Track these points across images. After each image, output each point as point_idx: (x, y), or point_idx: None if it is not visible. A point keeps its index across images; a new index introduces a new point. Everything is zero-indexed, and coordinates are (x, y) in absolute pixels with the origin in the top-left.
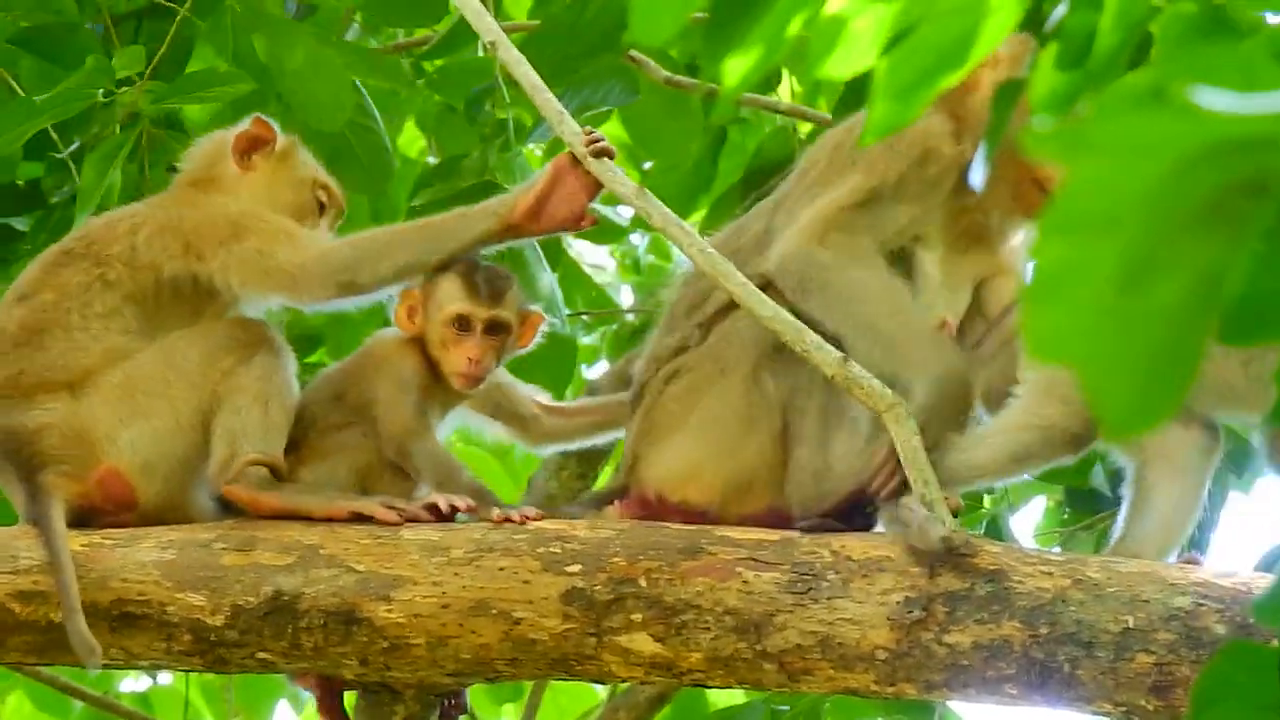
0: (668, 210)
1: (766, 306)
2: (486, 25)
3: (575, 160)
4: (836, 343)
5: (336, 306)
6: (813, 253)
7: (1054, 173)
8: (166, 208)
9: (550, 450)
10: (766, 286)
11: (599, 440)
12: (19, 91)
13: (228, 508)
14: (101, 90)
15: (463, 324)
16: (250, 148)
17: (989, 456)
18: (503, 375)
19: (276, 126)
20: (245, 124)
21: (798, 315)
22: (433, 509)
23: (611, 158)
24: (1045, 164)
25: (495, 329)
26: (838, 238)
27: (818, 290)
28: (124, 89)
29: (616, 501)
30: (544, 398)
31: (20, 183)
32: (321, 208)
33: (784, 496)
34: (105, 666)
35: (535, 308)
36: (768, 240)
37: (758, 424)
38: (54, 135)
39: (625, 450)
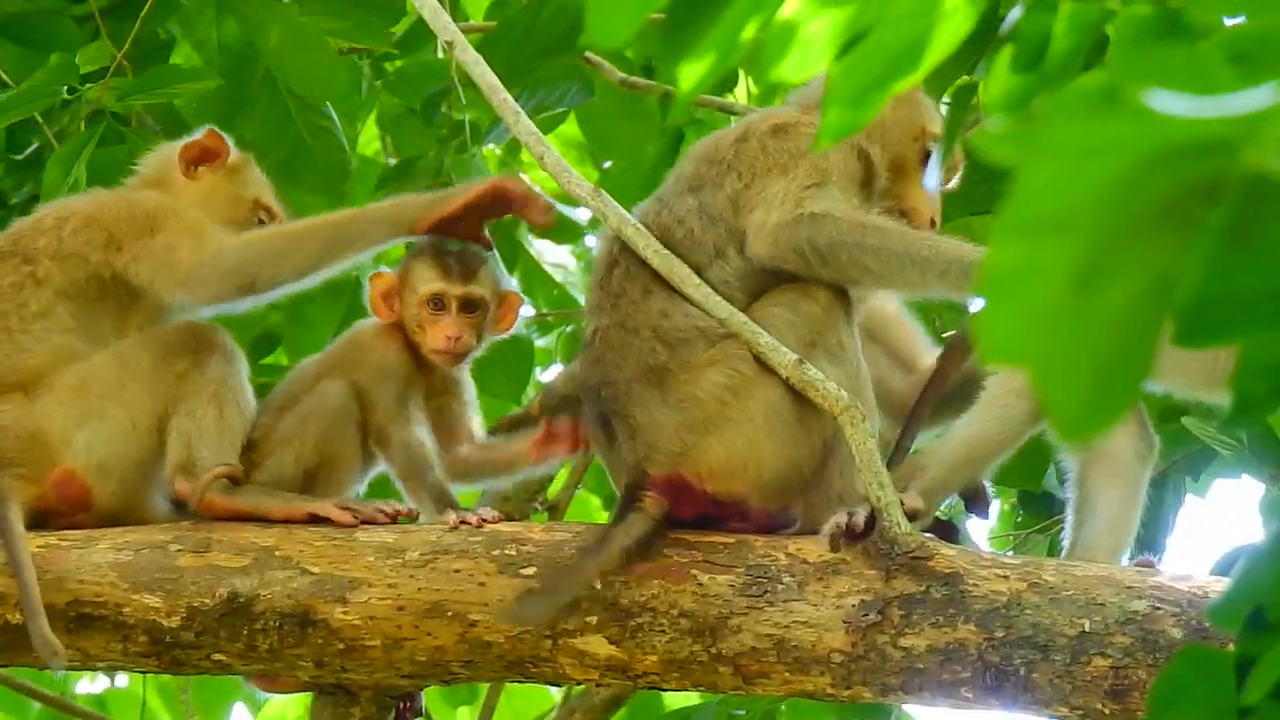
0: (624, 211)
1: (722, 308)
2: (443, 25)
3: (508, 190)
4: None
5: (233, 308)
6: (804, 215)
7: (918, 206)
8: (95, 199)
9: (457, 484)
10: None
11: (495, 482)
12: (4, 80)
13: (183, 509)
14: (66, 87)
15: (437, 303)
16: (200, 158)
17: (953, 448)
18: (469, 393)
19: (230, 142)
20: (198, 134)
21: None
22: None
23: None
24: (911, 196)
25: (470, 307)
26: (818, 195)
27: (827, 246)
28: (89, 85)
29: (649, 492)
30: (481, 434)
31: None
32: (260, 225)
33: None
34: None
35: (512, 287)
36: (734, 235)
37: (808, 425)
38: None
39: (647, 439)
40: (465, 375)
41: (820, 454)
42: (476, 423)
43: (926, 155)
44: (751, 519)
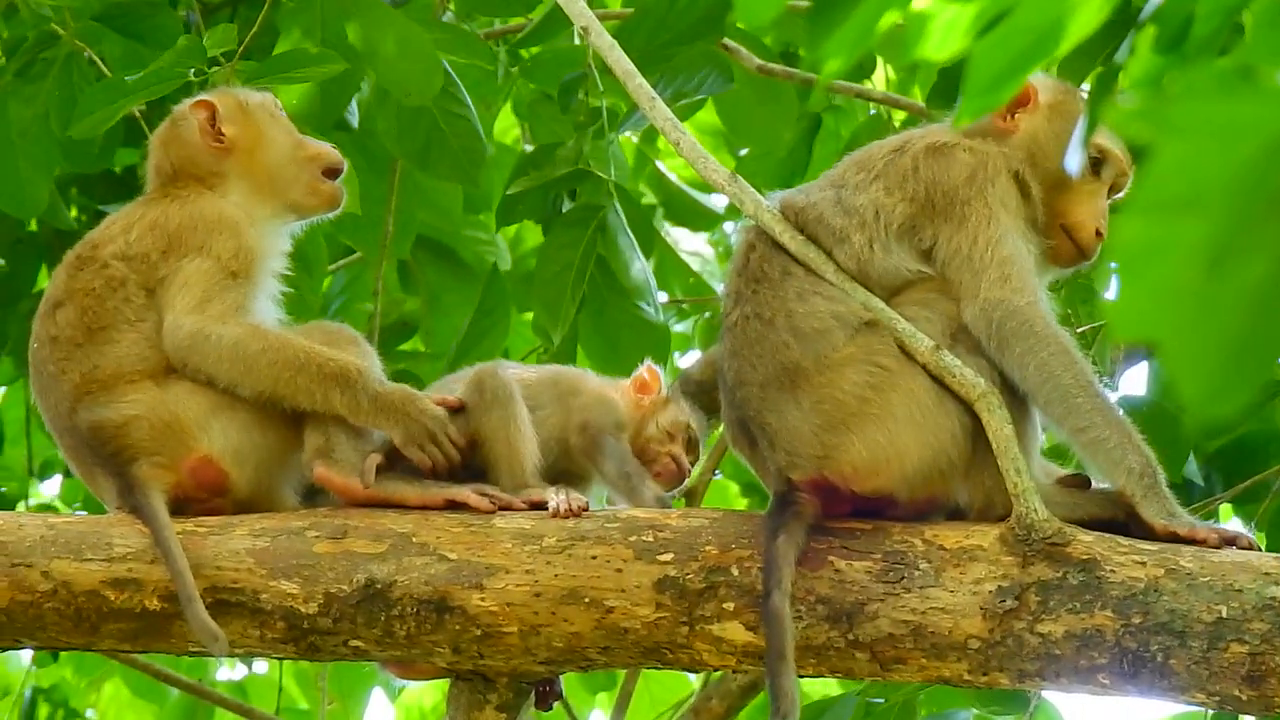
0: (760, 197)
1: (859, 292)
2: (579, 11)
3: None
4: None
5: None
6: (1012, 306)
7: (1083, 219)
8: (160, 207)
9: None
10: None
11: None
12: (104, 70)
13: (313, 497)
14: (193, 70)
15: (669, 435)
16: (215, 126)
17: None
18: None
19: (230, 90)
20: (189, 112)
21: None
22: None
23: None
24: (1073, 211)
25: (693, 443)
26: (1013, 263)
27: (1020, 356)
28: (215, 69)
29: (801, 494)
30: None
31: (116, 169)
32: (333, 174)
33: (953, 487)
34: (197, 654)
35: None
36: (864, 228)
37: (948, 410)
38: (143, 124)
39: (786, 445)
40: None
41: (966, 440)
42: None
43: (1091, 164)
44: (902, 510)
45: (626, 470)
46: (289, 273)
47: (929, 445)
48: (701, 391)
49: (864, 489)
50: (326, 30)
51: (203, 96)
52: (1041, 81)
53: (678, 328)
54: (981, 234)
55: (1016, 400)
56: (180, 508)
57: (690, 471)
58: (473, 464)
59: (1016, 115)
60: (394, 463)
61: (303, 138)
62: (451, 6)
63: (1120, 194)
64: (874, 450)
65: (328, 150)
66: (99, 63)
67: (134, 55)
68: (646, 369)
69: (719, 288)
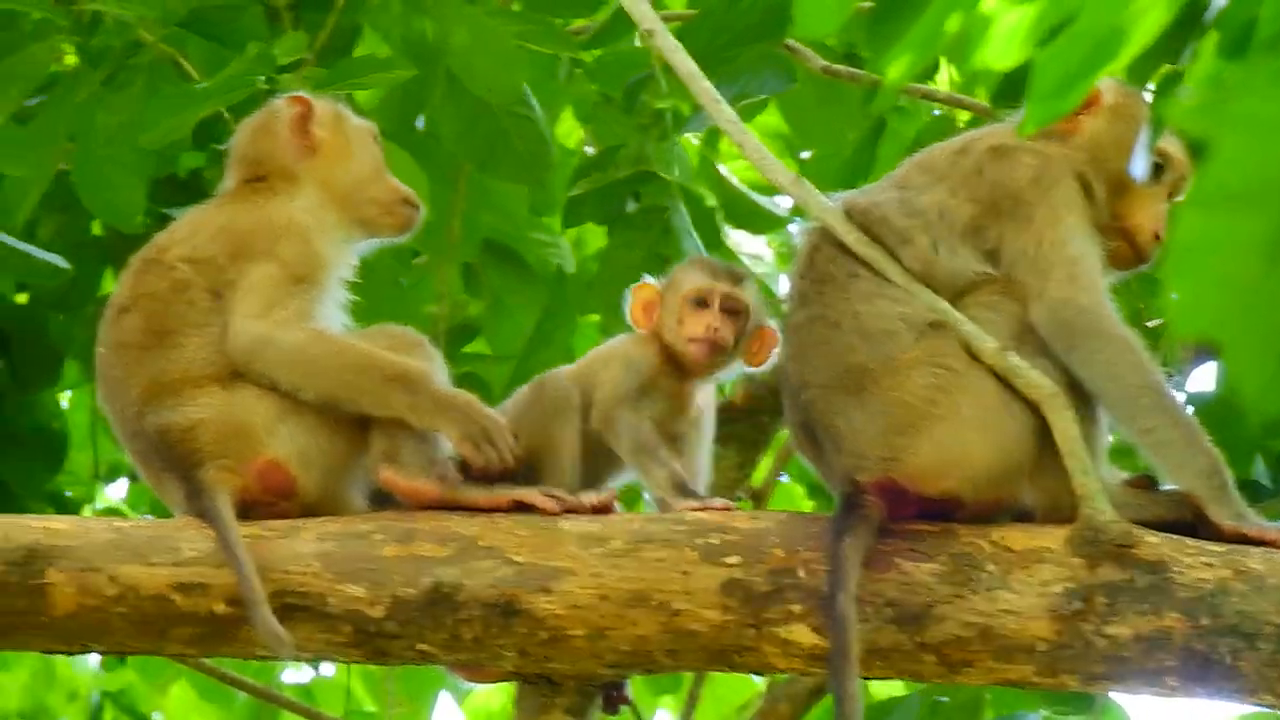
0: (824, 199)
1: (924, 293)
2: (643, 13)
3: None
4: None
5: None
6: (1080, 306)
7: (1142, 222)
8: (227, 210)
9: None
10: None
11: None
12: (189, 72)
13: (380, 501)
14: (264, 77)
15: (700, 301)
16: (304, 124)
17: None
18: (707, 438)
19: (307, 93)
20: (285, 107)
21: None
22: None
23: None
24: (1133, 214)
25: (732, 309)
26: (1084, 264)
27: (1086, 356)
28: (286, 75)
29: (868, 497)
30: (701, 490)
31: (181, 173)
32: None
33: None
34: (264, 658)
35: (771, 325)
36: (928, 229)
37: (1014, 412)
38: (229, 120)
39: (852, 447)
40: (709, 418)
41: (1032, 441)
42: (703, 476)
43: (1153, 169)
44: (968, 512)
45: (640, 448)
46: (357, 280)
47: (996, 447)
48: (769, 394)
49: (931, 491)
50: (404, 29)
51: (301, 94)
52: (1106, 83)
53: None
54: (1047, 234)
55: (1083, 401)
56: (247, 511)
57: (727, 337)
58: (526, 473)
59: (1080, 116)
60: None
61: (388, 172)
62: (516, 8)
63: (1178, 197)
64: (941, 452)
65: (408, 189)
66: (186, 67)
67: (217, 59)
68: (634, 289)
69: (779, 290)
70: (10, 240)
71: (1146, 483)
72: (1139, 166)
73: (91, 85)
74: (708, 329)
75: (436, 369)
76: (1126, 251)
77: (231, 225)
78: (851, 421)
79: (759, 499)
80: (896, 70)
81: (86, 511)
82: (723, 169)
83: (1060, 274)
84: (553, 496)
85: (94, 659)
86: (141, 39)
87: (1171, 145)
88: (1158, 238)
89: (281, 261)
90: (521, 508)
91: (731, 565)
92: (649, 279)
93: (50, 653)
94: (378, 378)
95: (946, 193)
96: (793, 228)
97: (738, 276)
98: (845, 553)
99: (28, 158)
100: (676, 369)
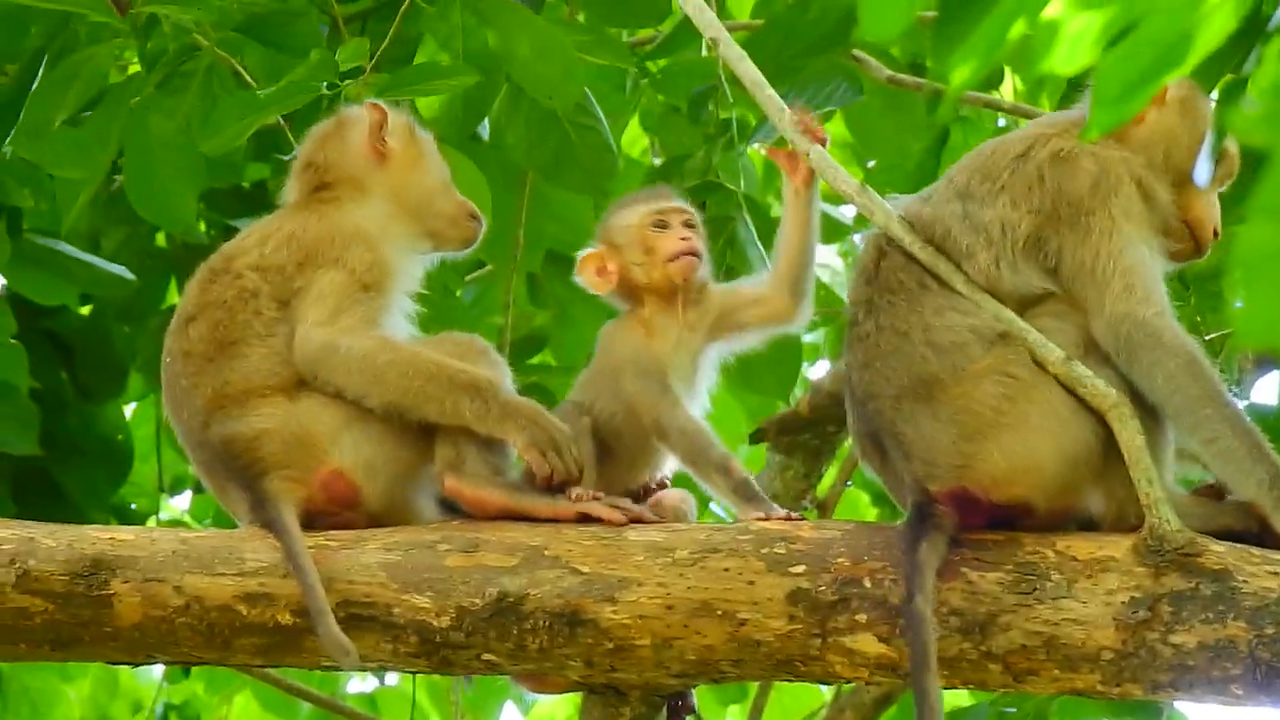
0: (890, 208)
1: (989, 304)
2: (709, 22)
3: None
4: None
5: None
6: (1139, 319)
7: (1201, 217)
8: (297, 219)
9: (804, 301)
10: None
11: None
12: (246, 78)
13: (451, 508)
14: (325, 84)
15: (660, 223)
16: (380, 131)
17: None
18: (715, 287)
19: (383, 103)
20: (363, 114)
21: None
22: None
23: (824, 144)
24: (1193, 208)
25: (689, 222)
26: (1142, 275)
27: (1148, 367)
28: (348, 82)
29: (940, 506)
30: (757, 280)
31: (246, 184)
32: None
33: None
34: (329, 668)
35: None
36: (990, 245)
37: (1082, 421)
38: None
39: (924, 455)
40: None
41: (1100, 449)
42: (742, 283)
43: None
44: (1037, 519)
45: (697, 455)
46: (424, 291)
47: (1066, 454)
48: (833, 404)
49: (1002, 498)
50: (465, 37)
51: (378, 102)
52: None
53: (807, 338)
54: (1104, 246)
55: (1149, 411)
56: (312, 521)
57: (700, 245)
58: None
59: (1146, 109)
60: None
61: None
62: (581, 18)
63: (1223, 187)
64: (1012, 460)
65: (472, 203)
66: (242, 72)
67: (273, 64)
68: (581, 260)
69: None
70: (75, 252)
71: (1214, 493)
72: (1204, 174)
73: (146, 89)
74: (682, 242)
75: (502, 377)
76: (1188, 247)
77: (300, 233)
78: (922, 429)
79: (824, 508)
80: (960, 76)
81: (151, 523)
82: None
83: (1118, 286)
84: (618, 508)
85: (158, 670)
86: (197, 43)
87: (1226, 140)
88: (1216, 234)
89: (349, 269)
90: (587, 519)
91: (797, 575)
92: (591, 247)
93: (114, 663)
94: (445, 385)
95: (1009, 205)
96: (858, 237)
97: (674, 193)
98: (921, 557)
99: (79, 160)
100: (666, 301)
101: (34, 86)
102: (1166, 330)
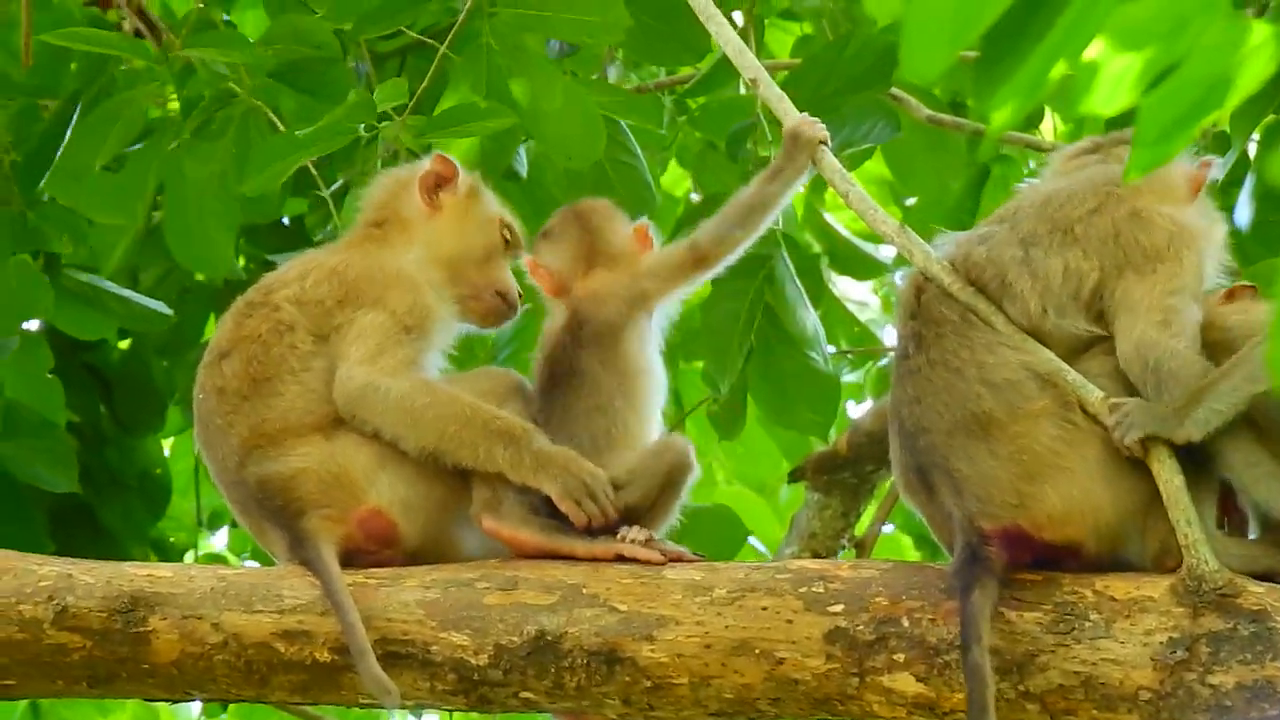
0: (929, 248)
1: (1029, 344)
2: (748, 62)
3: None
4: None
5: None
6: (1159, 342)
7: None
8: (340, 255)
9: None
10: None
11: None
12: (279, 126)
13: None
14: (363, 125)
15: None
16: (437, 185)
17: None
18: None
19: (458, 162)
20: (428, 162)
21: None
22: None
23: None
24: None
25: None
26: (1177, 312)
27: (1167, 379)
28: (385, 123)
29: (991, 547)
30: (686, 241)
31: (284, 220)
32: (506, 244)
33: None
34: (368, 706)
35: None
36: (1050, 296)
37: (1138, 463)
38: (314, 172)
39: (977, 492)
40: None
41: (1148, 490)
42: (672, 246)
43: None
44: (1084, 560)
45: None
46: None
47: (1117, 497)
48: (872, 442)
49: (1055, 538)
50: (492, 87)
51: (450, 159)
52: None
53: (848, 377)
54: (1160, 286)
55: (1192, 450)
56: (350, 559)
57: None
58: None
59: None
60: (561, 518)
61: (502, 265)
62: (619, 56)
63: None
64: (1068, 501)
65: (512, 283)
66: (276, 120)
67: (308, 110)
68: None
69: (884, 337)
70: (113, 287)
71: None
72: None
73: (182, 135)
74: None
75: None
76: None
77: (343, 270)
78: (977, 466)
79: (862, 548)
80: (1001, 116)
81: (189, 558)
82: (827, 216)
83: (1156, 317)
84: (655, 548)
85: (196, 706)
86: (233, 90)
87: None
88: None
89: (390, 310)
90: (624, 559)
91: (835, 613)
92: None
93: (152, 700)
94: (480, 431)
95: (1080, 255)
96: (897, 275)
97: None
98: (974, 604)
99: (118, 205)
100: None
101: (70, 129)
102: (1196, 364)
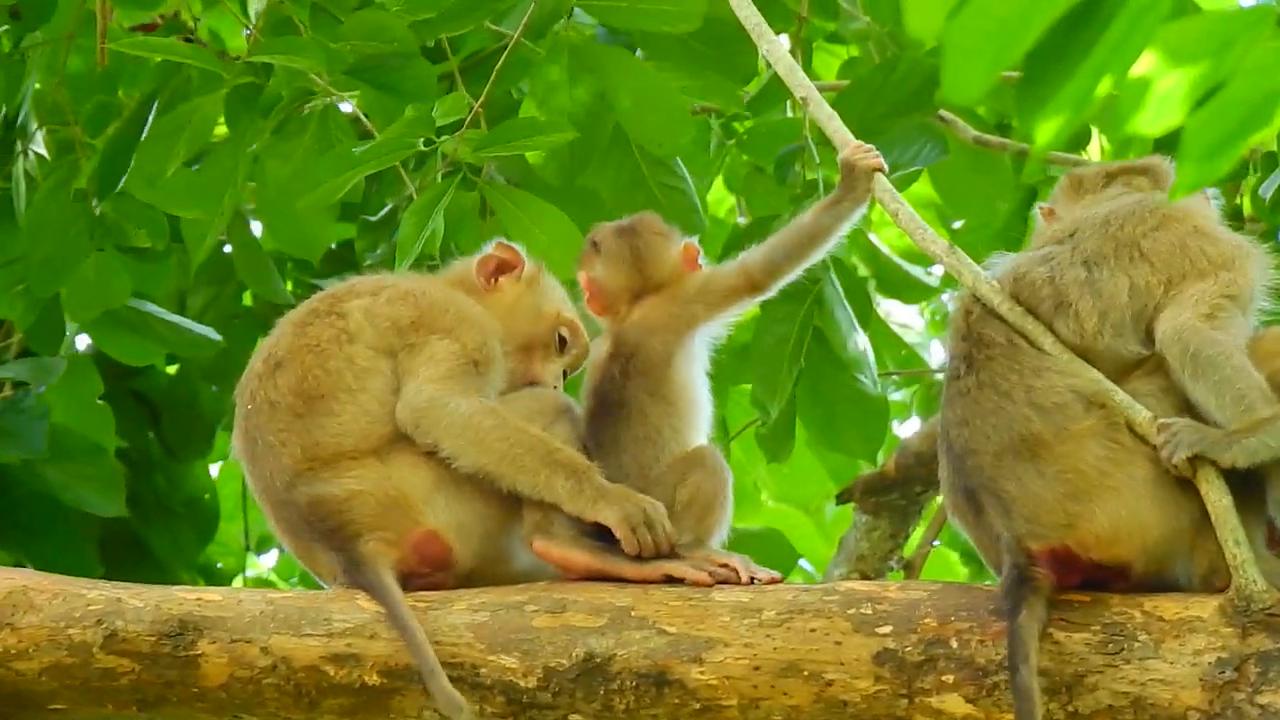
0: (979, 268)
1: (1075, 364)
2: (799, 81)
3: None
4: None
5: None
6: (1202, 329)
7: None
8: (418, 279)
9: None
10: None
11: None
12: (363, 121)
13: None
14: (422, 139)
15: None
16: (497, 270)
17: None
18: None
19: (523, 253)
20: (491, 247)
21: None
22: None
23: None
24: None
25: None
26: (1228, 311)
27: (1205, 362)
28: (445, 138)
29: (1039, 568)
30: (742, 261)
31: (333, 245)
32: (563, 344)
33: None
34: None
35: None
36: (1109, 316)
37: (1180, 481)
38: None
39: (1025, 512)
40: None
41: (1197, 510)
42: (730, 264)
43: None
44: (1131, 581)
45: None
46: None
47: (1166, 517)
48: (919, 464)
49: (1104, 558)
50: (571, 86)
51: (514, 248)
52: None
53: (895, 397)
54: (1217, 288)
55: (1239, 472)
56: (403, 582)
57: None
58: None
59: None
60: (610, 540)
61: (545, 360)
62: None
63: None
64: (1116, 521)
65: (549, 380)
66: (361, 117)
67: (384, 107)
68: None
69: (930, 359)
70: (161, 312)
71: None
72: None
73: (263, 135)
74: None
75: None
76: None
77: (419, 294)
78: (1026, 487)
79: (911, 569)
80: (1045, 135)
81: (237, 582)
82: (873, 238)
83: (1204, 309)
84: (704, 569)
85: None
86: (311, 88)
87: None
88: None
89: (462, 343)
90: (673, 580)
91: (884, 635)
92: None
93: None
94: (542, 459)
95: (1149, 269)
96: (946, 297)
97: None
98: (1022, 625)
99: (201, 200)
100: None
101: (145, 132)
102: (1236, 355)
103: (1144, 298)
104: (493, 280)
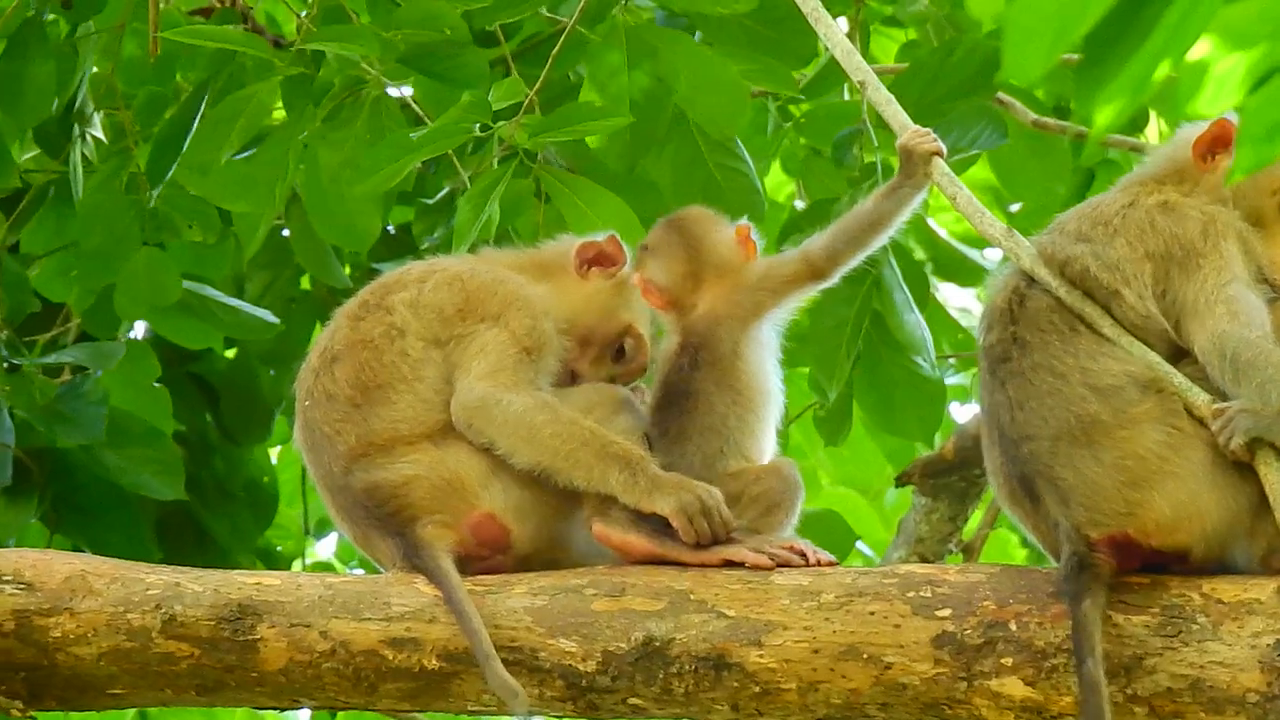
0: (1036, 252)
1: (1136, 347)
2: (856, 65)
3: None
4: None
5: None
6: (1232, 334)
7: (1276, 258)
8: (465, 262)
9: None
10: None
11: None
12: (415, 109)
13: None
14: (479, 125)
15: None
16: (595, 260)
17: None
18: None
19: (628, 255)
20: (601, 236)
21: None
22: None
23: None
24: (1270, 250)
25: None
26: (1237, 299)
27: (1246, 366)
28: (501, 123)
29: (1100, 555)
30: (804, 248)
31: (389, 228)
32: (620, 354)
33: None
34: (476, 712)
35: None
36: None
37: (1242, 467)
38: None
39: (1083, 500)
40: None
41: (1256, 494)
42: (792, 252)
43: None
44: (1191, 565)
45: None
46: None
47: (1225, 501)
48: (978, 447)
49: (1164, 544)
50: (631, 71)
51: (624, 247)
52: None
53: (952, 380)
54: (1211, 281)
55: None
56: (461, 566)
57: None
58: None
59: (1218, 156)
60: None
61: (596, 361)
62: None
63: None
64: (1176, 508)
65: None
66: (412, 105)
67: (438, 95)
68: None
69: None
70: (220, 296)
71: None
72: None
73: (313, 124)
74: None
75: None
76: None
77: (466, 278)
78: (1083, 474)
79: (970, 552)
80: (1104, 116)
81: (296, 566)
82: (930, 221)
83: (1222, 310)
84: (763, 553)
85: (304, 715)
86: (363, 76)
87: None
88: None
89: (510, 330)
90: (732, 564)
91: (943, 618)
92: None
93: (261, 708)
94: (597, 452)
95: (1126, 246)
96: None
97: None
98: (1086, 615)
99: (251, 193)
100: None
101: (196, 123)
102: (1275, 352)
103: (1141, 274)
104: (586, 267)
